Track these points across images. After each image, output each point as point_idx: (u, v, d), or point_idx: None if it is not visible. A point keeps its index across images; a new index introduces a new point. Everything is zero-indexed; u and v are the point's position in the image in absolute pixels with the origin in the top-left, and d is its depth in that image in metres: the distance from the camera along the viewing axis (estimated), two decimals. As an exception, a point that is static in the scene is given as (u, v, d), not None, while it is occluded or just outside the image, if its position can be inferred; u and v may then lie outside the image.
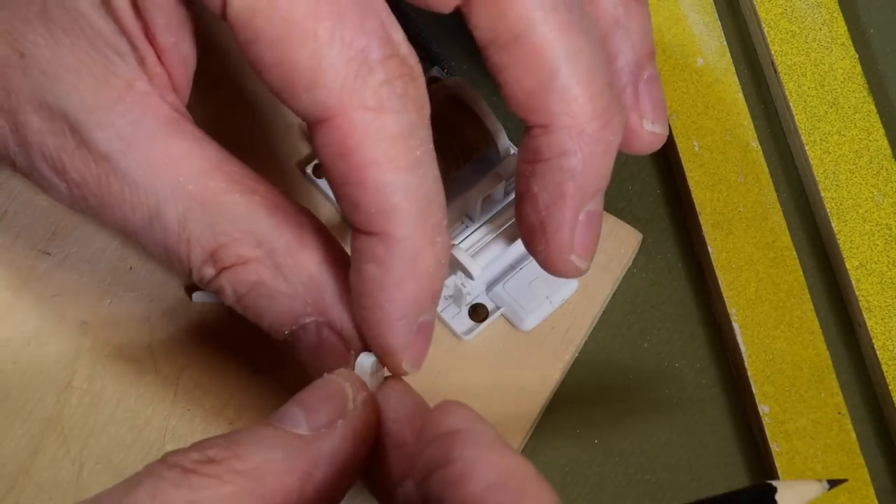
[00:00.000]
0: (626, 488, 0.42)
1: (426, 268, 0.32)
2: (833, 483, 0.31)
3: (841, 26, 0.48)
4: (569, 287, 0.42)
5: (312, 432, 0.30)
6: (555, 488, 0.27)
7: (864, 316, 0.43)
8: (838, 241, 0.44)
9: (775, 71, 0.47)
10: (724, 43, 0.48)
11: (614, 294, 0.44)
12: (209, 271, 0.34)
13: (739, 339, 0.43)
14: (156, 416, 0.40)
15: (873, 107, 0.47)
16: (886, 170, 0.45)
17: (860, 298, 0.43)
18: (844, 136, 0.46)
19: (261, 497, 0.28)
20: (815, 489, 0.31)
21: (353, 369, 0.34)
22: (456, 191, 0.41)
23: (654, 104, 0.37)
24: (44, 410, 0.40)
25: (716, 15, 0.48)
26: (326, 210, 0.44)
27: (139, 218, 0.33)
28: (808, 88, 0.47)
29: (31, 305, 0.41)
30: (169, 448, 0.39)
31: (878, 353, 0.43)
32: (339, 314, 0.34)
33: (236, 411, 0.40)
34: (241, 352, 0.41)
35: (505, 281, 0.42)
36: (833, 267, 0.45)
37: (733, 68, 0.47)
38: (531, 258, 0.37)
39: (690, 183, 0.45)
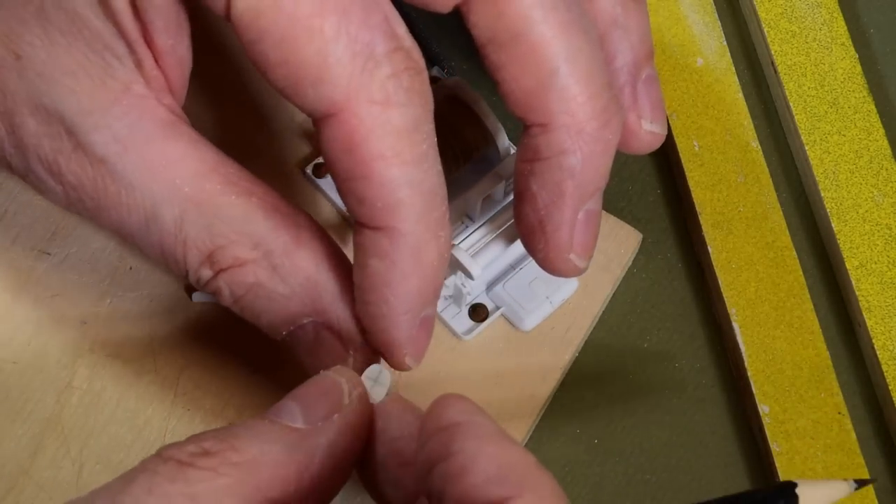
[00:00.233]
0: (626, 488, 0.42)
1: (430, 262, 0.32)
2: (860, 483, 0.30)
3: (841, 26, 0.48)
4: (569, 287, 0.42)
5: (309, 426, 0.30)
6: (555, 488, 0.27)
7: (864, 316, 0.43)
8: (838, 241, 0.44)
9: (775, 71, 0.47)
10: (724, 43, 0.48)
11: (614, 294, 0.44)
12: (206, 273, 0.34)
13: (739, 339, 0.43)
14: (156, 416, 0.40)
15: (873, 107, 0.47)
16: (886, 170, 0.45)
17: (860, 298, 0.43)
18: (844, 136, 0.46)
19: (257, 489, 0.28)
20: (841, 489, 0.30)
21: (351, 368, 0.34)
22: (456, 191, 0.41)
23: (652, 104, 0.37)
24: (44, 410, 0.40)
25: (716, 15, 0.48)
26: (326, 210, 0.44)
27: (135, 220, 0.33)
28: (808, 88, 0.47)
29: (31, 305, 0.41)
30: (169, 448, 0.39)
31: (878, 353, 0.43)
32: (336, 314, 0.34)
33: (236, 411, 0.40)
34: (240, 352, 0.41)
35: (505, 281, 0.42)
36: (833, 267, 0.45)
37: (733, 68, 0.47)
38: (531, 258, 0.37)
39: (690, 183, 0.45)
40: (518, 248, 0.40)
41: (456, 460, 0.27)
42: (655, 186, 0.47)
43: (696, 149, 0.46)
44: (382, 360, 0.35)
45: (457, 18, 0.34)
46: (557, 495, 0.27)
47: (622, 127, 0.35)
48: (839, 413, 0.42)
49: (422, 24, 0.46)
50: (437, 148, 0.32)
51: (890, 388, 0.42)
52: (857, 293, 0.43)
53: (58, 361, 0.41)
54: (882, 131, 0.46)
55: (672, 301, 0.45)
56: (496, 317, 0.42)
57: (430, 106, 0.32)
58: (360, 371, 0.33)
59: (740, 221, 0.45)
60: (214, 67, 0.45)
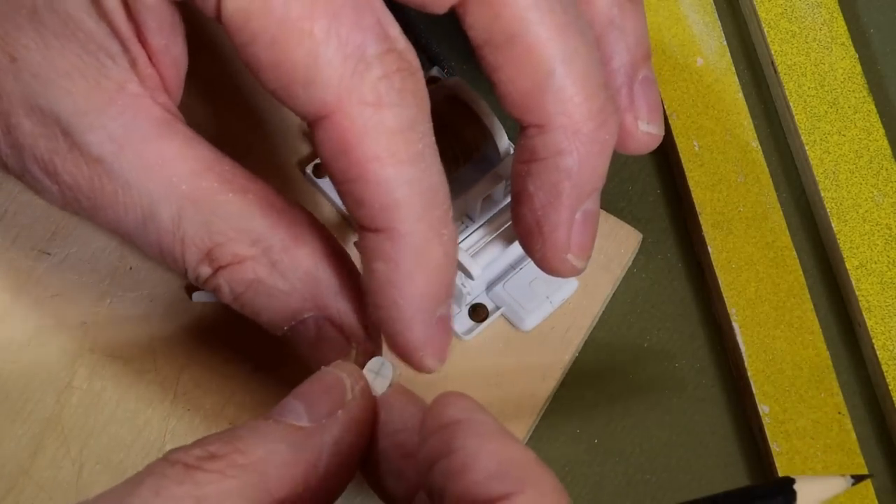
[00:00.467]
0: (626, 488, 0.42)
1: (435, 260, 0.32)
2: (857, 479, 0.30)
3: (841, 26, 0.48)
4: (569, 287, 0.43)
5: (314, 423, 0.30)
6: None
7: (864, 316, 0.43)
8: (838, 241, 0.44)
9: (775, 71, 0.47)
10: (724, 43, 0.48)
11: (614, 294, 0.44)
12: (205, 270, 0.34)
13: (739, 339, 0.43)
14: (156, 416, 0.40)
15: (873, 107, 0.47)
16: (886, 170, 0.45)
17: (860, 298, 0.43)
18: (844, 136, 0.46)
19: (266, 490, 0.29)
20: (838, 484, 0.30)
21: (353, 362, 0.34)
22: (456, 191, 0.41)
23: (649, 105, 0.37)
24: (44, 410, 0.40)
25: (716, 15, 0.48)
26: (326, 210, 0.44)
27: (133, 219, 0.33)
28: (808, 88, 0.47)
29: (31, 305, 0.41)
30: (169, 448, 0.39)
31: (878, 353, 0.43)
32: (337, 308, 0.34)
33: (237, 410, 0.40)
34: (241, 351, 0.41)
35: (505, 281, 0.42)
36: (833, 267, 0.45)
37: (733, 68, 0.47)
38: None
39: (690, 183, 0.45)
40: (518, 248, 0.40)
41: (457, 457, 0.27)
42: (655, 186, 0.47)
43: (696, 149, 0.46)
44: (388, 353, 0.34)
45: (456, 19, 0.34)
46: (559, 491, 0.27)
47: (619, 128, 0.35)
48: (839, 413, 0.42)
49: (422, 25, 0.46)
50: (435, 147, 0.32)
51: (890, 388, 0.42)
52: (857, 293, 0.43)
53: (58, 361, 0.41)
54: (882, 131, 0.46)
55: (672, 301, 0.45)
56: (496, 317, 0.42)
57: (426, 106, 0.32)
58: (364, 364, 0.33)
59: (740, 221, 0.45)
60: (215, 67, 0.45)
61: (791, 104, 0.47)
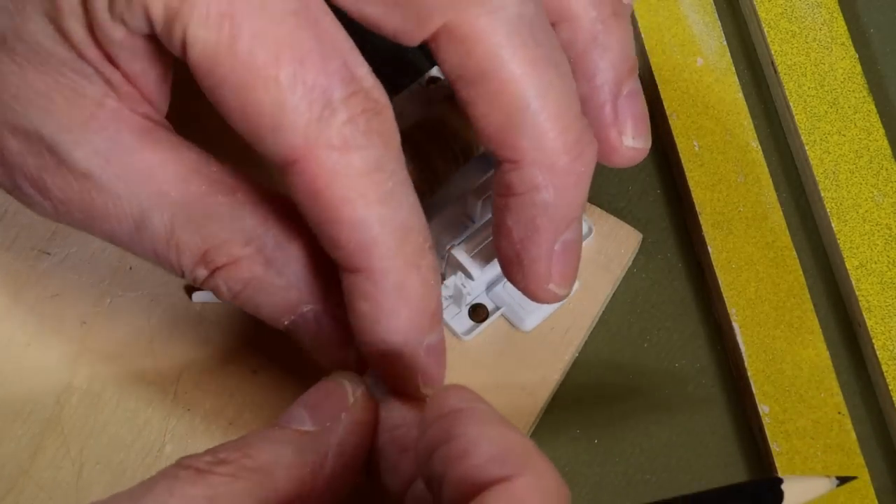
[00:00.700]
0: (626, 488, 0.42)
1: (415, 293, 0.32)
2: (842, 480, 0.31)
3: (841, 26, 0.48)
4: (569, 287, 0.43)
5: (318, 427, 0.31)
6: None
7: (864, 316, 0.43)
8: (838, 241, 0.44)
9: (775, 71, 0.47)
10: (724, 43, 0.48)
11: (614, 294, 0.44)
12: (202, 273, 0.34)
13: (739, 339, 0.43)
14: (156, 416, 0.40)
15: (873, 107, 0.47)
16: (886, 170, 0.45)
17: (860, 298, 0.43)
18: (844, 136, 0.46)
19: (274, 490, 0.29)
20: (823, 485, 0.30)
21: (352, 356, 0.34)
22: (455, 191, 0.41)
23: (634, 119, 0.37)
24: (44, 410, 0.40)
25: (716, 15, 0.48)
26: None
27: (126, 229, 0.34)
28: (808, 88, 0.47)
29: (31, 305, 0.41)
30: (169, 448, 0.39)
31: (878, 353, 0.43)
32: (335, 299, 0.34)
33: (236, 411, 0.40)
34: (240, 351, 0.41)
35: (505, 281, 0.42)
36: (833, 267, 0.45)
37: (733, 68, 0.47)
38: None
39: (690, 183, 0.45)
40: (518, 248, 0.40)
41: (458, 443, 0.27)
42: (655, 186, 0.47)
43: (696, 149, 0.46)
44: None
45: None
46: (558, 478, 0.27)
47: (597, 154, 0.35)
48: (839, 413, 0.42)
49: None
50: (407, 180, 0.32)
51: (890, 388, 0.42)
52: (857, 293, 0.43)
53: (58, 361, 0.41)
54: (882, 131, 0.46)
55: (672, 301, 0.45)
56: (496, 317, 0.42)
57: (395, 142, 0.32)
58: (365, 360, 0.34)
59: (740, 221, 0.45)
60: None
61: (791, 104, 0.47)
